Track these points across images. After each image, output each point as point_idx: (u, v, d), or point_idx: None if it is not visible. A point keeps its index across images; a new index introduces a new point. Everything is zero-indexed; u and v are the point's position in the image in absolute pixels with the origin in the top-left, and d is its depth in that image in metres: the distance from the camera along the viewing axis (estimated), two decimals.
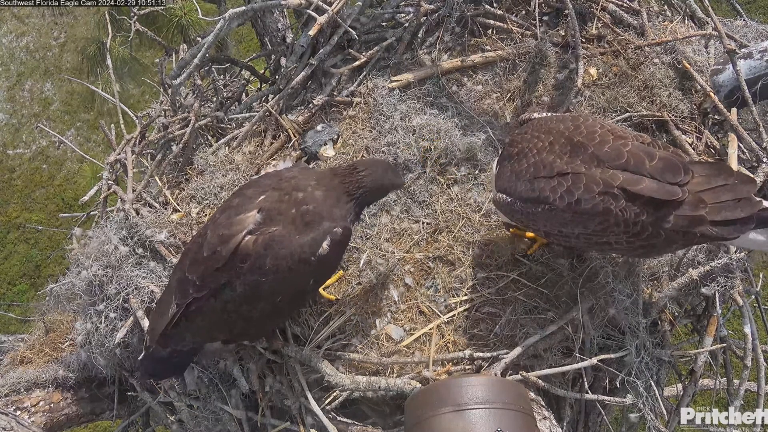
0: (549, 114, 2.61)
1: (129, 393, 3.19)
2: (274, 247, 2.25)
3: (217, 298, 2.31)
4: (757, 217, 2.16)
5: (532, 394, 2.56)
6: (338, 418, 2.61)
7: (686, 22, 3.49)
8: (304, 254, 2.27)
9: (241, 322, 2.40)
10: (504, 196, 2.44)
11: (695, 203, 2.17)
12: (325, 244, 2.30)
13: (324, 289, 2.90)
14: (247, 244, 2.25)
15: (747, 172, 2.95)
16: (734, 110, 3.12)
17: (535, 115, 2.61)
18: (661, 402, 2.65)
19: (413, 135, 3.21)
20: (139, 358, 2.73)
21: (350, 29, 3.38)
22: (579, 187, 2.20)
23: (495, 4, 3.59)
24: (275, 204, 2.32)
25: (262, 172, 3.29)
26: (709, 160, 3.07)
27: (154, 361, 2.55)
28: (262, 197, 2.35)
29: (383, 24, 3.72)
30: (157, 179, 3.37)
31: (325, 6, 3.34)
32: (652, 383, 2.63)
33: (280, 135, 3.48)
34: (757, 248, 2.60)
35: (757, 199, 2.18)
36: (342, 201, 2.40)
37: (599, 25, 3.47)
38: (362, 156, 3.26)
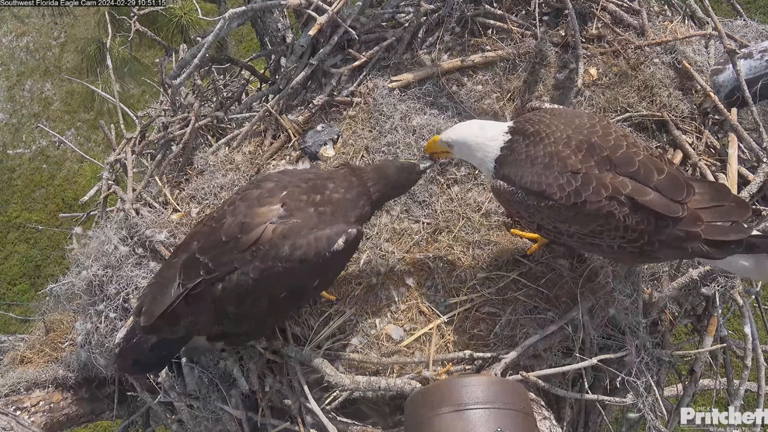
0: (560, 107, 2.57)
1: (129, 393, 3.19)
2: (292, 237, 2.29)
3: (225, 281, 2.29)
4: (746, 243, 2.21)
5: (532, 394, 2.56)
6: (338, 418, 2.60)
7: (686, 22, 3.49)
8: (320, 247, 2.31)
9: (243, 320, 2.41)
10: (505, 184, 2.39)
11: (693, 220, 2.21)
12: (341, 241, 2.33)
13: None
14: (267, 233, 2.28)
15: (747, 175, 2.96)
16: (734, 110, 3.12)
17: (546, 105, 2.59)
18: (661, 402, 2.65)
19: (413, 135, 3.21)
20: (117, 350, 2.68)
21: (350, 29, 3.38)
22: (588, 189, 2.20)
23: (495, 4, 3.59)
24: (296, 200, 2.37)
25: (262, 173, 3.29)
26: (709, 162, 3.07)
27: (135, 353, 2.51)
28: (285, 192, 2.39)
29: (383, 24, 3.72)
30: (157, 179, 3.37)
31: (325, 6, 3.34)
32: (652, 383, 2.63)
33: (280, 135, 3.48)
34: (739, 273, 2.66)
35: (746, 225, 2.24)
36: (358, 203, 2.46)
37: (599, 25, 3.47)
38: (362, 156, 3.26)
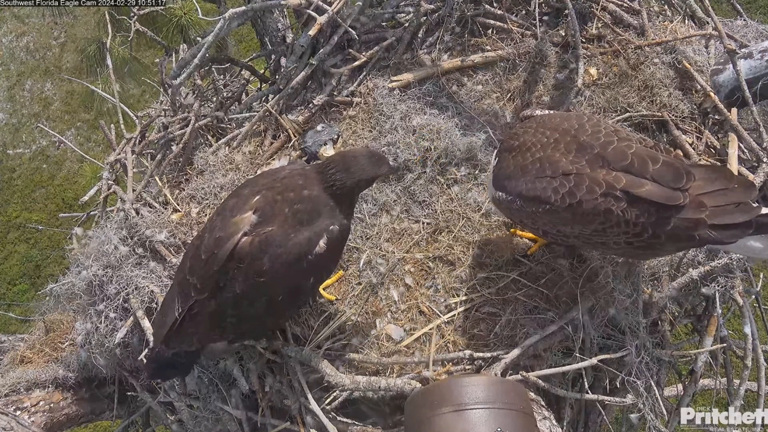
0: (551, 111, 2.60)
1: (129, 393, 3.19)
2: (271, 248, 2.24)
3: (217, 299, 2.31)
4: (756, 223, 2.15)
5: (532, 394, 2.56)
6: (338, 418, 2.60)
7: (686, 22, 3.49)
8: (301, 253, 2.27)
9: (243, 323, 2.40)
10: (503, 194, 2.43)
11: (696, 206, 2.17)
12: (321, 242, 2.30)
13: (324, 289, 2.90)
14: (244, 246, 2.25)
15: (747, 174, 2.95)
16: (734, 110, 3.12)
17: (537, 112, 2.62)
18: (661, 402, 2.65)
19: (413, 135, 3.21)
20: (144, 359, 2.73)
21: (350, 29, 3.38)
22: (581, 189, 2.20)
23: (495, 4, 3.59)
24: (270, 204, 2.32)
25: (260, 172, 3.29)
26: (710, 161, 3.07)
27: (158, 362, 2.54)
28: (257, 197, 2.34)
29: (383, 24, 3.72)
30: (157, 179, 3.37)
31: (325, 6, 3.34)
32: (652, 383, 2.63)
33: (280, 135, 3.48)
34: (753, 255, 2.60)
35: (755, 204, 2.18)
36: (330, 198, 2.37)
37: (599, 25, 3.47)
38: None
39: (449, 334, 2.76)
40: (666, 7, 3.72)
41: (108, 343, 2.92)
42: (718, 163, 3.06)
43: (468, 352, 2.63)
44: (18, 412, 2.92)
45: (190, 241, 2.83)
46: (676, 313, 3.01)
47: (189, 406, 2.93)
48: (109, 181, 3.51)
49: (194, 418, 2.92)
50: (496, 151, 2.61)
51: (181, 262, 2.55)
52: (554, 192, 2.24)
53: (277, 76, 4.17)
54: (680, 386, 3.21)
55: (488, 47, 3.48)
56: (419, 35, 3.58)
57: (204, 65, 3.92)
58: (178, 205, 3.26)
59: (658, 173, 2.18)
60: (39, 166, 9.05)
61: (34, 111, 9.37)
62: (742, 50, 3.26)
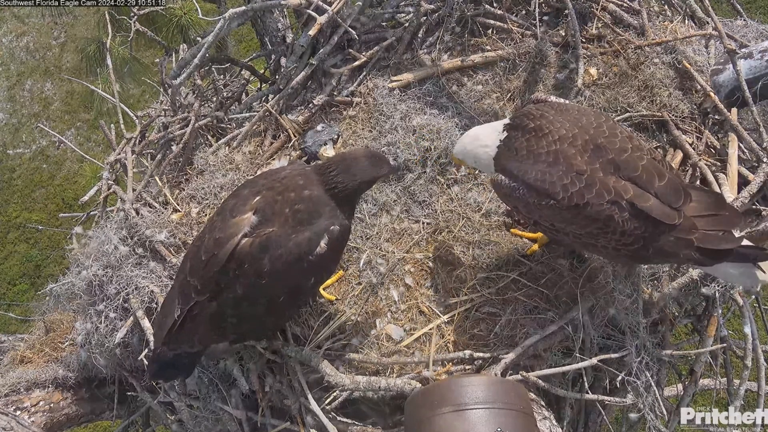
0: (566, 101, 2.56)
1: (129, 393, 3.19)
2: (271, 248, 2.24)
3: (218, 300, 2.31)
4: (736, 252, 2.21)
5: (532, 394, 2.56)
6: (338, 418, 2.60)
7: (686, 22, 3.49)
8: (302, 254, 2.27)
9: (244, 323, 2.40)
10: (506, 179, 2.38)
11: (688, 228, 2.22)
12: (323, 243, 2.30)
13: (324, 289, 2.90)
14: (244, 247, 2.25)
15: (747, 175, 2.95)
16: (734, 110, 3.13)
17: (552, 98, 2.58)
18: (661, 402, 2.65)
19: (413, 135, 3.21)
20: (145, 360, 2.73)
21: (350, 29, 3.38)
22: (591, 191, 2.20)
23: (495, 4, 3.59)
24: (270, 204, 2.31)
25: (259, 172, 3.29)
26: (710, 162, 3.07)
27: (160, 363, 2.53)
28: (258, 198, 2.34)
29: (383, 24, 3.72)
30: (157, 179, 3.37)
31: (325, 6, 3.34)
32: (652, 383, 2.63)
33: (280, 135, 3.48)
34: (727, 279, 2.68)
35: (737, 235, 2.25)
36: (331, 199, 2.37)
37: (599, 25, 3.47)
38: None
39: (449, 334, 2.76)
40: (666, 7, 3.72)
41: (108, 343, 2.92)
42: (720, 163, 3.07)
43: (468, 352, 2.63)
44: (18, 412, 2.92)
45: (190, 242, 2.83)
46: (676, 313, 3.01)
47: (189, 406, 2.93)
48: (109, 181, 3.52)
49: (194, 418, 2.92)
50: (501, 124, 2.49)
51: (181, 263, 2.55)
52: (563, 189, 2.22)
53: (277, 76, 4.18)
54: (680, 386, 3.20)
55: (488, 47, 3.49)
56: (419, 35, 3.58)
57: (204, 65, 3.93)
58: (178, 205, 3.26)
59: (661, 190, 2.21)
60: (39, 166, 9.06)
61: (34, 111, 9.37)
62: (742, 50, 3.26)
